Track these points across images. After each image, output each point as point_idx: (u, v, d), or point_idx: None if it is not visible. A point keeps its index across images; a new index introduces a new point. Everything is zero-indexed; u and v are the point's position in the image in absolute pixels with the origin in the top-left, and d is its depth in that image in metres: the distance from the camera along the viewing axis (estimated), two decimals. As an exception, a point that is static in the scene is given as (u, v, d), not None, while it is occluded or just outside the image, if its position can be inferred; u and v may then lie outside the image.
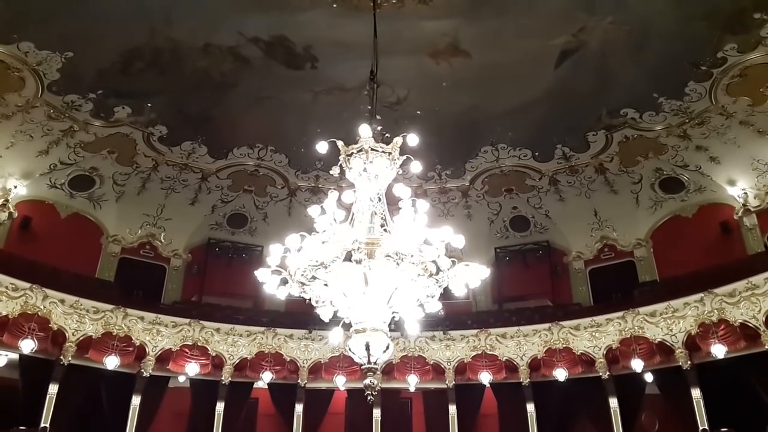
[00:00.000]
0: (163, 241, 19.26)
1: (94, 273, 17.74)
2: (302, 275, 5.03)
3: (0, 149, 15.46)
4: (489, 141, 17.09)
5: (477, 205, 19.29)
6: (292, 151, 17.48)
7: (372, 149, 5.61)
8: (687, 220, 17.68)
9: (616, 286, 17.78)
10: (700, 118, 15.16)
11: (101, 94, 14.85)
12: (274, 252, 5.11)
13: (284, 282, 5.09)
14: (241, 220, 19.90)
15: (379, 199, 5.48)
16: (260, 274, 5.10)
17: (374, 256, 4.81)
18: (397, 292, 4.87)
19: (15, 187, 16.26)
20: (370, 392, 4.76)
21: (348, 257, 4.87)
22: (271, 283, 5.08)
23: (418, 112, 14.81)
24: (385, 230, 5.24)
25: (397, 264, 4.78)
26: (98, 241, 18.26)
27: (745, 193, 16.19)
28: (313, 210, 5.35)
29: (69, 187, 17.35)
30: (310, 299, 5.18)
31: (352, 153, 5.66)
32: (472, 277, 4.93)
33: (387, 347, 4.76)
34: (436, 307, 5.20)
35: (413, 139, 5.70)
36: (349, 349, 4.81)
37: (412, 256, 4.83)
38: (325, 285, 5.02)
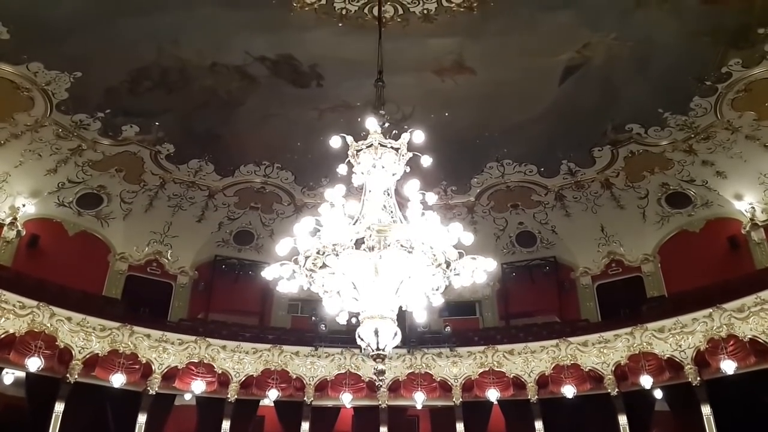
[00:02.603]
0: (169, 258, 19.32)
1: (101, 290, 17.80)
2: (312, 263, 5.01)
3: (9, 168, 15.61)
4: (494, 157, 17.14)
5: (483, 221, 19.29)
6: (299, 168, 17.57)
7: (381, 144, 5.69)
8: (694, 235, 17.60)
9: (624, 302, 17.71)
10: (705, 132, 15.16)
11: (109, 113, 15.01)
12: (284, 243, 5.05)
13: (292, 276, 5.08)
14: (248, 237, 19.96)
15: (388, 194, 5.54)
16: (269, 271, 5.06)
17: (386, 244, 4.86)
18: (407, 281, 4.91)
19: (23, 205, 16.38)
20: (379, 378, 4.90)
21: (359, 245, 4.91)
22: (280, 278, 5.06)
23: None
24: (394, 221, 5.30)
25: (409, 252, 4.83)
26: (105, 259, 18.35)
27: (753, 208, 16.13)
28: (328, 194, 5.36)
29: (77, 205, 17.47)
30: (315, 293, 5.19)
31: (361, 149, 5.72)
32: (479, 269, 5.01)
33: (395, 334, 4.84)
34: (438, 300, 5.21)
35: (419, 136, 5.76)
36: (358, 336, 4.89)
37: (422, 244, 4.88)
38: (332, 273, 5.01)
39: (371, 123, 5.77)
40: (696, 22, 12.10)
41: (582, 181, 17.67)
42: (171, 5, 12.03)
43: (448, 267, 5.05)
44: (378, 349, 4.80)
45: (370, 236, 4.89)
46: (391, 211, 5.38)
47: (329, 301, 5.17)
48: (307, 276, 5.07)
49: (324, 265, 5.04)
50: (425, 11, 12.29)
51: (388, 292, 4.89)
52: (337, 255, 4.90)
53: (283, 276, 5.04)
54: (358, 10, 12.30)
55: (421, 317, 5.13)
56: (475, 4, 12.07)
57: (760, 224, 16.06)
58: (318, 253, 4.99)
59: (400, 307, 5.11)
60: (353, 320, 5.11)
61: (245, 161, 17.51)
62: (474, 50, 13.43)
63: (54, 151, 15.73)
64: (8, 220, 16.14)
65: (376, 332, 4.77)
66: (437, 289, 5.16)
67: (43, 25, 12.06)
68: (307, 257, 5.01)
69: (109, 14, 11.97)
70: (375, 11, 11.93)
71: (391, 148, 5.72)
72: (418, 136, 5.75)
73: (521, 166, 17.42)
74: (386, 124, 5.99)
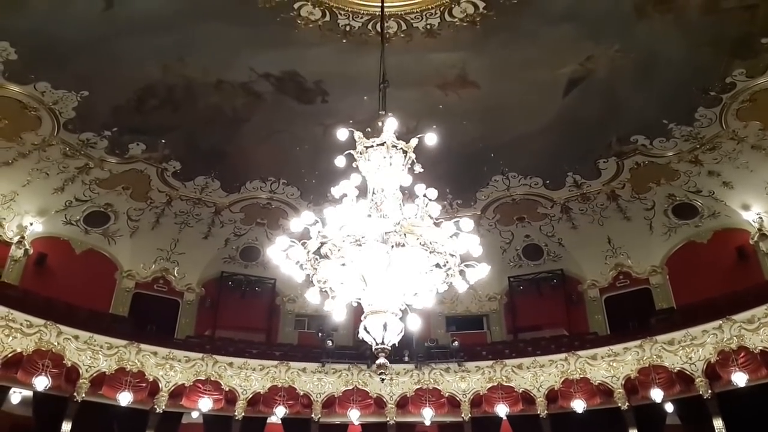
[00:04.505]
0: (176, 275, 19.34)
1: (108, 308, 17.82)
2: (329, 250, 5.05)
3: (16, 187, 15.73)
4: (499, 170, 17.13)
5: (489, 234, 19.21)
6: (304, 184, 17.60)
7: (393, 145, 5.74)
8: (702, 246, 17.51)
9: (633, 314, 17.56)
10: (711, 143, 15.12)
11: (116, 132, 15.12)
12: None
13: (298, 265, 5.10)
14: (254, 253, 19.95)
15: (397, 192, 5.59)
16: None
17: (408, 242, 4.92)
18: (415, 279, 4.96)
19: (31, 224, 16.48)
20: (382, 372, 4.88)
21: (381, 239, 4.92)
22: (284, 259, 5.07)
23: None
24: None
25: (430, 252, 4.91)
26: (112, 277, 18.39)
27: (760, 218, 16.03)
28: (343, 185, 5.43)
29: (84, 223, 17.56)
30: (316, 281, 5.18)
31: (372, 146, 5.77)
32: (474, 275, 5.09)
33: (399, 329, 4.87)
34: (428, 302, 5.20)
35: (432, 138, 5.87)
36: (364, 329, 4.90)
37: (443, 245, 4.93)
38: (343, 265, 5.02)
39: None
40: (699, 33, 12.13)
41: (588, 193, 17.62)
42: (176, 23, 12.15)
43: (449, 270, 5.09)
44: (381, 343, 4.80)
45: (397, 232, 4.92)
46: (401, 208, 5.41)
47: (323, 294, 5.17)
48: (311, 264, 5.09)
49: (326, 256, 5.07)
50: (428, 26, 12.38)
51: (396, 288, 4.91)
52: (360, 245, 4.91)
53: (288, 257, 5.05)
54: (361, 27, 12.40)
55: (414, 324, 5.06)
56: (477, 19, 12.14)
57: (768, 234, 15.98)
58: (333, 243, 5.02)
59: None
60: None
61: (251, 177, 17.58)
62: (477, 64, 13.49)
63: (61, 170, 15.84)
64: (16, 239, 16.24)
65: (384, 327, 4.79)
66: (431, 290, 5.18)
67: (50, 45, 12.21)
68: (323, 243, 5.05)
69: (115, 33, 12.11)
70: (378, 27, 12.02)
71: (401, 149, 5.78)
72: (392, 124, 5.79)
73: (526, 178, 17.40)
74: (383, 123, 6.03)
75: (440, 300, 5.39)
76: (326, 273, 5.09)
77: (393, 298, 4.91)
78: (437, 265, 5.11)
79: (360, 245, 4.88)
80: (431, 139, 5.87)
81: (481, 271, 5.12)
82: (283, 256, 5.05)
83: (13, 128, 14.24)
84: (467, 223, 5.06)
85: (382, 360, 4.84)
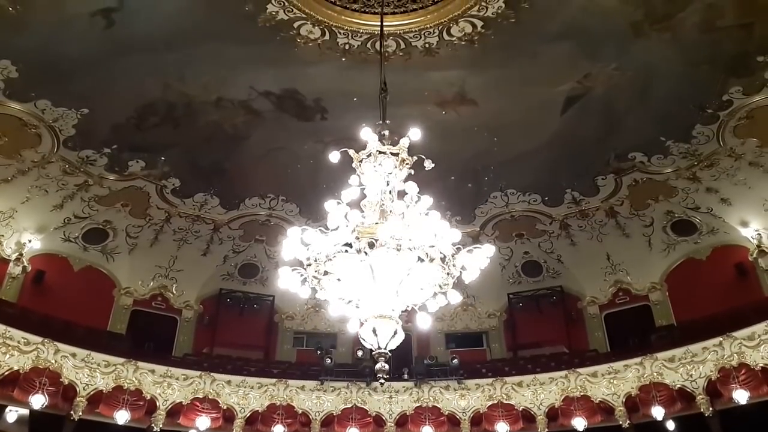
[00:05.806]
0: (175, 292, 19.26)
1: (106, 326, 17.70)
2: (315, 271, 5.08)
3: (15, 204, 15.73)
4: (498, 187, 17.17)
5: (488, 251, 19.18)
6: (303, 201, 17.61)
7: (379, 152, 5.85)
8: (701, 263, 17.50)
9: (633, 331, 17.50)
10: (709, 160, 15.18)
11: (116, 149, 15.17)
12: (288, 246, 5.17)
13: (303, 281, 5.15)
14: (253, 269, 19.91)
15: (391, 200, 5.59)
16: (282, 274, 5.14)
17: (374, 245, 4.92)
18: (404, 279, 4.94)
19: (29, 241, 16.45)
20: (381, 376, 4.87)
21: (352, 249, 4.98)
22: (292, 282, 5.13)
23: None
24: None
25: (397, 250, 4.85)
26: (111, 294, 18.31)
27: (759, 234, 16.05)
28: (329, 205, 5.42)
29: (83, 240, 17.53)
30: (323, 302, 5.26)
31: (362, 159, 5.90)
32: (478, 260, 5.14)
33: (396, 333, 4.87)
34: (455, 298, 5.19)
35: (416, 134, 6.03)
36: (361, 337, 4.92)
37: (409, 240, 4.90)
38: (338, 280, 5.07)
39: (366, 133, 5.97)
40: (695, 51, 12.24)
41: (586, 209, 17.64)
42: (177, 42, 12.26)
43: (444, 262, 5.05)
44: (380, 348, 4.81)
45: (358, 239, 4.97)
46: (390, 211, 5.44)
47: (337, 306, 5.20)
48: (316, 283, 5.14)
49: (326, 272, 5.11)
50: (427, 45, 12.50)
51: (387, 291, 4.91)
52: (330, 260, 5.00)
53: (293, 283, 5.12)
54: (360, 45, 12.53)
55: (424, 322, 5.09)
56: (475, 38, 12.27)
57: (767, 251, 15.96)
58: (316, 261, 5.07)
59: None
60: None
61: (250, 194, 17.59)
62: (475, 82, 13.59)
63: (60, 187, 15.86)
64: (14, 256, 16.20)
65: (376, 331, 4.79)
66: (444, 286, 5.16)
67: (51, 64, 12.30)
68: (308, 265, 5.09)
69: (116, 52, 12.20)
70: (377, 46, 12.13)
71: (391, 154, 5.89)
72: (415, 134, 6.01)
73: (525, 195, 17.43)
74: (387, 133, 6.16)
75: (439, 317, 5.39)
76: (328, 290, 5.12)
77: (386, 302, 4.91)
78: (432, 260, 5.07)
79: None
80: (416, 134, 5.98)
81: (486, 252, 5.13)
82: (296, 283, 5.10)
83: (12, 145, 14.28)
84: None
85: (380, 364, 4.85)
